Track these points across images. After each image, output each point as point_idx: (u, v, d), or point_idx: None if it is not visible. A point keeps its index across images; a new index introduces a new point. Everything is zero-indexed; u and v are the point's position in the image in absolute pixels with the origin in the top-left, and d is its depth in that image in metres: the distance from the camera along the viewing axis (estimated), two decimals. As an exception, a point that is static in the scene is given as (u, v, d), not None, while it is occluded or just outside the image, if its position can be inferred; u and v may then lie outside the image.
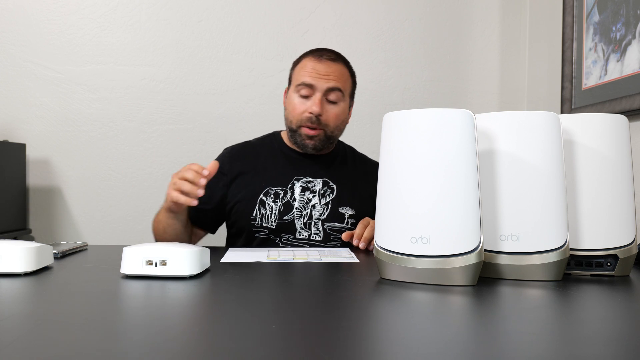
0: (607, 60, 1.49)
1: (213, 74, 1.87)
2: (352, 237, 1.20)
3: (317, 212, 1.31)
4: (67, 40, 1.82)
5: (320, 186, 1.34)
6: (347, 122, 1.39)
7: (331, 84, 1.29)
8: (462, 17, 1.96)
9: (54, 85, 1.82)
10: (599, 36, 1.54)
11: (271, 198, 1.31)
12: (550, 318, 0.57)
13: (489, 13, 1.97)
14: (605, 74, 1.50)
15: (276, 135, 1.45)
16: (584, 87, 1.60)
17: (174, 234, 1.25)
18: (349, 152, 1.47)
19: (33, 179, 1.83)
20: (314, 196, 1.32)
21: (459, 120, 0.72)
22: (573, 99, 1.64)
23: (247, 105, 1.88)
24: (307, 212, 1.31)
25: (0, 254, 0.76)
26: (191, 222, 1.34)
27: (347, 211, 1.33)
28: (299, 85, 1.31)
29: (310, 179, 1.34)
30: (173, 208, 1.19)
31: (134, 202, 1.85)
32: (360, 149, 1.65)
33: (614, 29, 1.47)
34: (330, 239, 1.31)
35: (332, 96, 1.30)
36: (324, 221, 1.31)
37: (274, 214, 1.30)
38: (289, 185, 1.33)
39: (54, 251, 0.94)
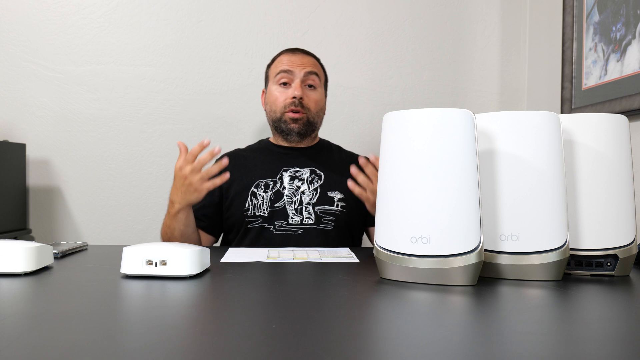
0: (607, 60, 1.49)
1: (213, 74, 1.87)
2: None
3: (307, 198, 1.36)
4: (67, 40, 1.82)
5: (308, 174, 1.39)
6: (324, 112, 1.48)
7: (308, 69, 1.40)
8: (462, 17, 1.96)
9: (54, 85, 1.82)
10: (599, 36, 1.54)
11: (262, 189, 1.36)
12: (550, 318, 0.57)
13: (489, 13, 1.97)
14: (605, 74, 1.50)
15: (263, 139, 1.54)
16: (584, 87, 1.60)
17: (188, 239, 1.30)
18: (335, 147, 1.54)
19: (33, 179, 1.83)
20: (302, 183, 1.37)
21: (459, 120, 0.72)
22: (573, 99, 1.64)
23: (247, 105, 1.88)
24: (297, 199, 1.36)
25: (1, 254, 0.76)
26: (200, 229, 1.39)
27: (336, 195, 1.38)
28: (278, 74, 1.40)
29: (298, 169, 1.40)
30: (184, 207, 1.23)
31: (134, 202, 1.85)
32: (360, 148, 1.65)
33: (614, 29, 1.47)
34: (322, 222, 1.34)
35: (310, 80, 1.40)
36: (314, 205, 1.35)
37: (265, 202, 1.34)
38: (278, 176, 1.39)
39: (54, 251, 0.94)
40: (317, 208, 1.35)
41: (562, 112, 1.68)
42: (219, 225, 1.42)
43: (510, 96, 1.98)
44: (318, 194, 1.37)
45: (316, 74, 1.41)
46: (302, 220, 1.33)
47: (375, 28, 1.93)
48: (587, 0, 1.60)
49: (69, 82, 1.82)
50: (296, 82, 1.38)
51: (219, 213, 1.40)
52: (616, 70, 1.45)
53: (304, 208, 1.34)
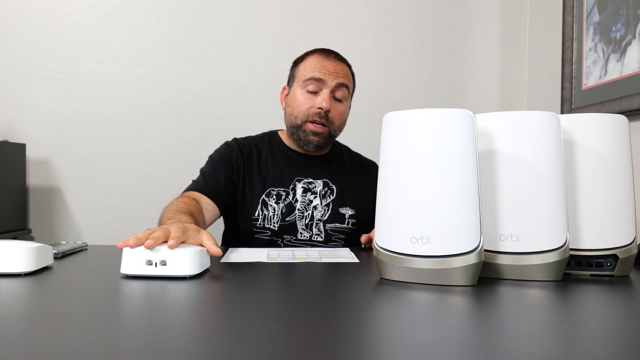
0: (607, 60, 1.49)
1: (213, 74, 1.87)
2: (369, 240, 1.19)
3: (319, 214, 1.32)
4: (67, 40, 1.82)
5: (321, 187, 1.34)
6: (345, 124, 1.40)
7: (340, 80, 1.30)
8: (462, 17, 1.96)
9: (54, 85, 1.82)
10: (599, 36, 1.54)
11: (273, 199, 1.31)
12: (550, 318, 0.57)
13: (489, 13, 1.97)
14: (605, 74, 1.50)
15: (274, 134, 1.44)
16: (584, 87, 1.60)
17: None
18: (345, 152, 1.47)
19: (33, 179, 1.83)
20: (315, 197, 1.32)
21: (459, 120, 0.72)
22: (573, 99, 1.64)
23: (247, 105, 1.88)
24: (308, 214, 1.31)
25: (1, 254, 0.76)
26: (206, 195, 1.28)
27: (347, 211, 1.34)
28: (307, 80, 1.29)
29: (311, 180, 1.34)
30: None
31: (134, 202, 1.85)
32: (360, 148, 1.65)
33: (614, 29, 1.47)
34: (331, 240, 1.32)
35: (339, 93, 1.30)
36: (325, 222, 1.32)
37: (277, 215, 1.30)
38: (291, 187, 1.33)
39: (54, 251, 0.94)
40: (328, 226, 1.32)
41: (562, 112, 1.68)
42: (224, 197, 1.31)
43: (510, 96, 1.98)
44: (330, 211, 1.33)
45: (346, 86, 1.31)
46: (311, 236, 1.31)
47: (375, 28, 1.93)
48: (587, 0, 1.60)
49: (69, 82, 1.82)
50: (325, 92, 1.28)
51: (231, 190, 1.31)
52: (616, 70, 1.45)
53: (314, 224, 1.31)
